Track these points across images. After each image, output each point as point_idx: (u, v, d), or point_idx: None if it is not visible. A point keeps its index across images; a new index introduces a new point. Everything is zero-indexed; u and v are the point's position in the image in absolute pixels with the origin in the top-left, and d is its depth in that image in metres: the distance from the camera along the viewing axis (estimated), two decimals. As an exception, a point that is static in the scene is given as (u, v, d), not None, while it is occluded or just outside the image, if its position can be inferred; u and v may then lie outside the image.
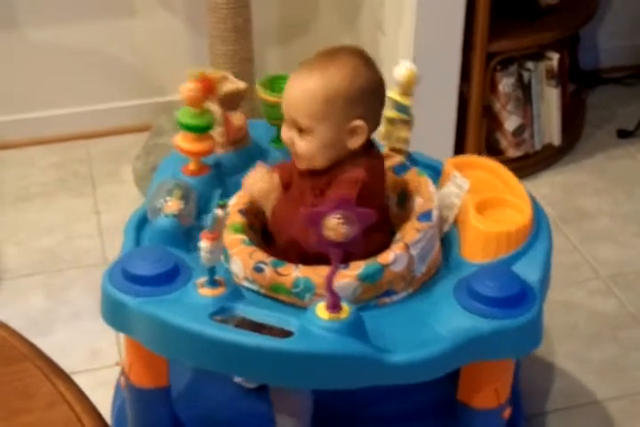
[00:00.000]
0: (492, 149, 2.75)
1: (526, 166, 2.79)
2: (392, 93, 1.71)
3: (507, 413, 1.65)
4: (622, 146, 2.95)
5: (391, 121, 1.73)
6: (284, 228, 1.58)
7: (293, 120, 1.52)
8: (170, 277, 1.50)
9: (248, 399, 1.76)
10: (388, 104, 1.71)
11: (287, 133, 1.55)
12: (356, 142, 1.53)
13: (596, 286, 2.40)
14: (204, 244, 1.41)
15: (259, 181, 1.63)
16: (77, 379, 1.27)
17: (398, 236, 1.58)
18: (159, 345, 1.50)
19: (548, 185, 2.77)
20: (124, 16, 2.84)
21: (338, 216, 1.28)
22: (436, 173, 1.77)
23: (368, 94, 1.53)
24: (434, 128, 2.63)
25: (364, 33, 2.85)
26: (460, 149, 2.69)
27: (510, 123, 2.73)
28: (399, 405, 1.78)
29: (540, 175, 2.81)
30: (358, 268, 1.50)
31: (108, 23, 2.84)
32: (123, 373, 1.69)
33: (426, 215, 1.59)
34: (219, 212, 1.40)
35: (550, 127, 2.82)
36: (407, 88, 1.70)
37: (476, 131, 2.69)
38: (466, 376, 1.60)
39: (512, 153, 2.77)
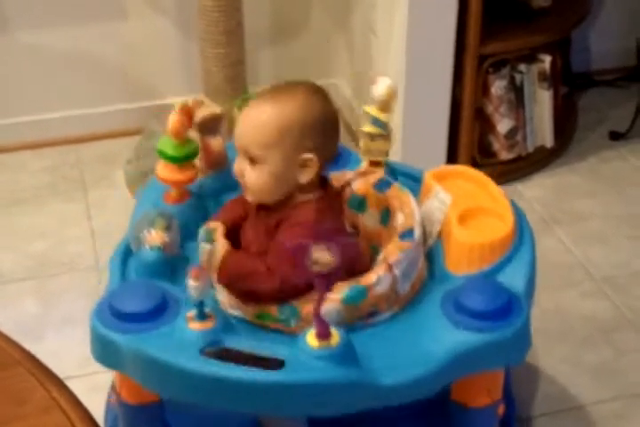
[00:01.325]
0: (485, 152, 2.75)
1: (519, 169, 2.79)
2: (370, 109, 1.71)
3: (500, 409, 1.66)
4: (614, 148, 2.95)
5: (370, 136, 1.73)
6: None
7: (245, 150, 1.51)
8: (158, 313, 1.49)
9: (240, 413, 1.75)
10: (366, 119, 1.72)
11: (239, 165, 1.54)
12: (306, 176, 1.52)
13: (589, 289, 2.40)
14: (191, 281, 1.40)
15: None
16: (70, 384, 1.26)
17: (381, 256, 1.57)
18: (151, 382, 1.49)
19: (540, 187, 2.77)
20: (115, 19, 2.84)
21: (323, 247, 1.29)
22: (415, 181, 1.77)
23: (321, 126, 1.52)
24: (426, 131, 2.63)
25: (356, 35, 2.85)
26: (452, 151, 2.69)
27: (503, 125, 2.73)
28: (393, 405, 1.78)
29: (533, 177, 2.81)
30: (341, 291, 1.49)
31: (99, 27, 2.83)
32: (113, 390, 1.68)
33: (407, 233, 1.58)
34: (207, 246, 1.40)
35: (543, 129, 2.82)
36: (386, 104, 1.70)
37: (469, 133, 2.69)
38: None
39: (504, 155, 2.77)
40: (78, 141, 2.95)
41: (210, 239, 1.46)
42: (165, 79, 2.93)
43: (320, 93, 1.54)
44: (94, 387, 1.97)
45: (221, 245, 1.53)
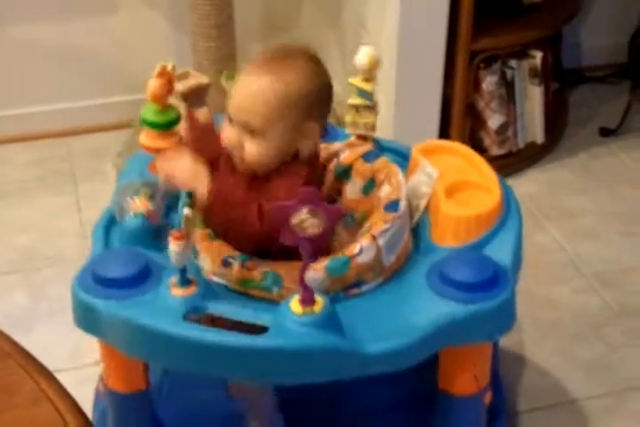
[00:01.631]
0: (476, 147, 2.72)
1: (509, 164, 2.79)
2: (354, 80, 1.71)
3: (487, 397, 1.65)
4: (605, 144, 2.95)
5: (356, 108, 1.72)
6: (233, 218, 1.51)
7: (244, 122, 1.48)
8: (141, 279, 1.49)
9: (229, 400, 1.75)
10: (351, 91, 1.72)
11: (234, 136, 1.50)
12: (308, 146, 1.52)
13: (580, 284, 2.40)
14: (173, 245, 1.40)
15: (185, 171, 1.49)
16: (59, 377, 1.26)
17: (365, 226, 1.57)
18: (132, 348, 1.49)
19: (531, 183, 2.78)
20: (106, 12, 2.83)
21: (306, 211, 1.28)
22: (403, 158, 1.77)
23: (320, 98, 1.52)
24: (417, 126, 2.63)
25: (347, 29, 2.84)
26: (443, 146, 2.69)
27: (494, 121, 2.73)
28: (381, 397, 1.78)
29: (524, 173, 2.81)
30: (325, 260, 1.49)
31: (89, 19, 2.82)
32: (101, 379, 1.68)
33: (392, 205, 1.58)
34: (187, 211, 1.39)
35: (533, 125, 2.82)
36: (369, 74, 1.70)
37: (460, 129, 2.69)
38: (445, 365, 1.60)
39: (495, 151, 2.77)
40: (69, 135, 2.94)
41: (190, 204, 1.44)
42: (156, 73, 2.92)
43: (318, 61, 1.53)
44: (83, 379, 1.97)
45: (205, 179, 1.47)
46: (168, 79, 1.64)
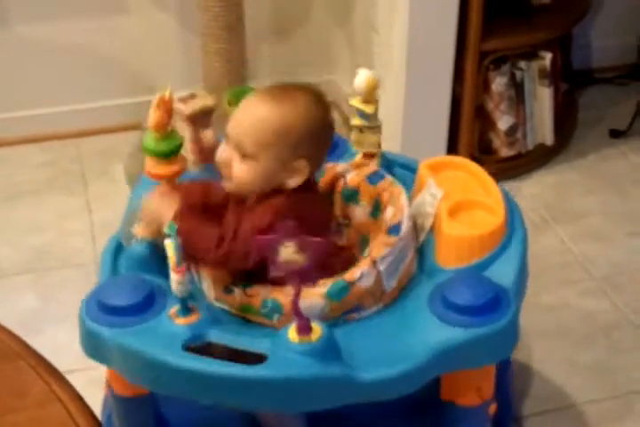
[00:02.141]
0: (485, 149, 2.75)
1: (519, 166, 2.79)
2: (355, 102, 1.71)
3: (492, 408, 1.64)
4: (614, 145, 2.95)
5: (359, 129, 1.73)
6: None
7: (239, 143, 1.50)
8: (144, 307, 1.49)
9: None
10: (352, 112, 1.73)
11: (226, 155, 1.52)
12: (294, 182, 1.52)
13: (588, 287, 2.40)
14: (174, 277, 1.41)
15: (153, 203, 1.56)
16: (69, 378, 1.27)
17: (367, 251, 1.57)
18: (135, 376, 1.50)
19: (540, 185, 2.77)
20: (117, 14, 2.83)
21: (291, 245, 1.29)
22: (412, 172, 1.77)
23: (317, 136, 1.53)
24: (427, 128, 2.63)
25: (356, 32, 2.84)
26: (452, 148, 2.69)
27: (503, 122, 2.73)
28: (384, 404, 1.77)
29: (533, 175, 2.81)
30: (324, 286, 1.50)
31: (99, 21, 2.83)
32: (106, 381, 1.69)
33: (395, 228, 1.58)
34: (167, 242, 1.40)
35: (543, 127, 2.82)
36: (369, 96, 1.70)
37: (469, 130, 2.69)
38: (447, 375, 1.58)
39: (505, 153, 2.77)
40: (79, 135, 2.95)
41: (173, 234, 1.46)
42: (166, 74, 2.93)
43: (322, 102, 1.54)
44: (93, 381, 1.97)
45: (174, 201, 1.52)
46: (166, 108, 1.66)
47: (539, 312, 2.30)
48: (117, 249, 1.64)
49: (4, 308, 2.28)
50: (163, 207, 1.53)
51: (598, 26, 3.20)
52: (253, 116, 1.50)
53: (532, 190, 2.73)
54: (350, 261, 1.58)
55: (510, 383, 1.92)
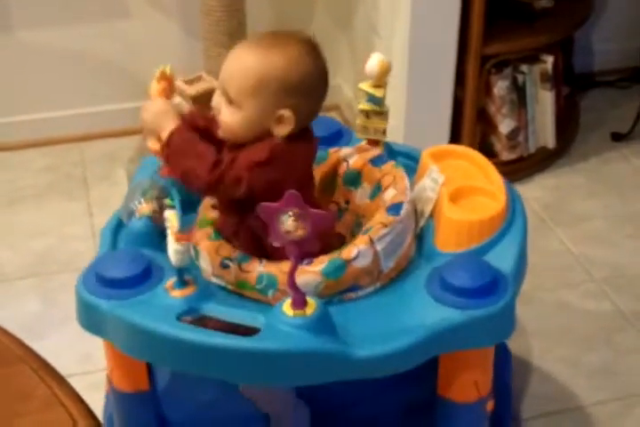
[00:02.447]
0: (487, 152, 2.73)
1: (520, 169, 2.79)
2: (365, 86, 1.70)
3: (489, 405, 1.64)
4: (616, 149, 2.95)
5: (366, 113, 1.72)
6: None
7: (225, 90, 1.50)
8: (141, 280, 1.51)
9: (234, 399, 1.75)
10: (361, 96, 1.71)
11: (216, 100, 1.53)
12: (281, 130, 1.50)
13: (589, 289, 2.40)
14: (173, 245, 1.42)
15: (153, 111, 1.54)
16: (71, 382, 1.26)
17: (365, 227, 1.57)
18: (130, 347, 1.51)
19: (542, 188, 2.78)
20: (119, 18, 2.84)
21: (292, 214, 1.29)
22: (414, 161, 1.77)
23: (303, 87, 1.50)
24: (428, 131, 2.64)
25: (358, 35, 2.85)
26: (454, 151, 2.69)
27: (505, 126, 2.73)
28: (383, 403, 1.78)
29: (535, 178, 2.81)
30: (321, 263, 1.50)
31: (102, 25, 2.84)
32: (107, 376, 1.70)
33: (395, 208, 1.57)
34: (167, 213, 1.40)
35: (544, 130, 2.82)
36: (380, 80, 1.69)
37: (471, 134, 2.69)
38: (444, 369, 1.59)
39: (506, 156, 2.77)
40: (81, 140, 2.95)
41: (176, 203, 1.46)
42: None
43: (313, 52, 1.52)
44: (94, 384, 1.97)
45: (172, 120, 1.51)
46: (169, 83, 1.66)
47: (540, 313, 2.30)
48: (118, 226, 1.66)
49: (7, 312, 2.29)
50: (160, 119, 1.51)
51: (600, 29, 3.20)
52: (239, 62, 1.49)
53: (533, 193, 2.73)
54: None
55: (509, 382, 1.92)
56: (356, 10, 2.82)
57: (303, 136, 1.54)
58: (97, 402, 1.85)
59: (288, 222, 1.30)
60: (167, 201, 1.45)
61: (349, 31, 2.91)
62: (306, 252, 1.35)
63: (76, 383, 1.30)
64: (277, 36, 1.53)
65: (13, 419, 1.16)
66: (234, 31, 2.55)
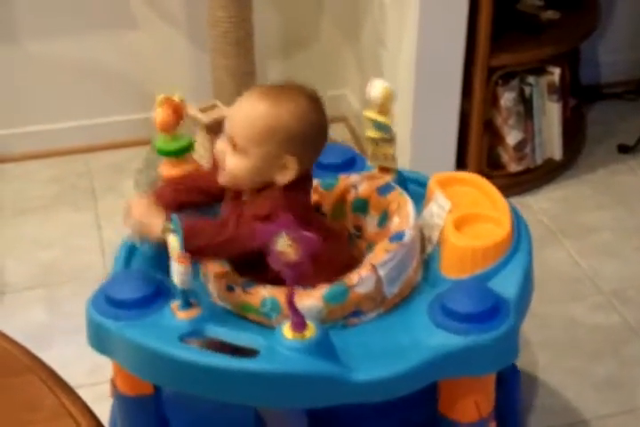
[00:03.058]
0: (494, 164, 2.75)
1: (527, 181, 2.79)
2: (370, 113, 1.71)
3: (492, 426, 1.63)
4: (623, 161, 2.95)
5: (374, 141, 1.73)
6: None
7: (231, 137, 1.53)
8: (149, 301, 1.53)
9: (237, 405, 1.75)
10: (367, 124, 1.72)
11: (221, 146, 1.55)
12: (284, 178, 1.54)
13: (597, 302, 2.40)
14: (177, 266, 1.44)
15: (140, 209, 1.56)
16: (79, 393, 1.26)
17: (368, 257, 1.58)
18: (135, 368, 1.53)
19: (549, 200, 2.77)
20: (125, 29, 2.85)
21: (286, 238, 1.31)
22: (424, 188, 1.77)
23: (308, 137, 1.55)
24: (435, 143, 2.64)
25: (365, 47, 2.85)
26: (461, 163, 2.70)
27: (512, 137, 2.73)
28: (392, 421, 1.77)
29: (542, 190, 2.81)
30: (323, 289, 1.51)
31: (108, 37, 2.84)
32: (111, 382, 1.72)
33: (398, 236, 1.59)
34: (170, 236, 1.41)
35: (551, 142, 2.82)
36: (384, 107, 1.70)
37: (478, 145, 2.69)
38: (444, 389, 1.59)
39: (513, 168, 2.77)
40: (88, 151, 2.96)
41: (176, 226, 1.46)
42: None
43: (317, 104, 1.57)
44: (102, 396, 1.96)
45: (159, 214, 1.52)
46: (174, 109, 1.68)
47: (547, 326, 2.30)
48: (133, 246, 1.67)
49: (14, 322, 2.29)
50: (148, 220, 1.52)
51: (607, 41, 3.21)
52: (248, 112, 1.53)
53: (540, 205, 2.73)
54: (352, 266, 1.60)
55: (518, 401, 1.91)
56: (363, 22, 2.83)
57: (302, 184, 1.59)
58: (106, 413, 1.86)
59: (280, 245, 1.31)
60: (168, 225, 1.46)
61: (357, 43, 2.92)
62: (302, 273, 1.35)
63: (85, 395, 1.30)
64: (285, 87, 1.57)
65: (24, 430, 1.16)
66: (241, 42, 2.56)
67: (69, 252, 2.56)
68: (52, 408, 1.18)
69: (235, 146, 1.53)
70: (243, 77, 2.60)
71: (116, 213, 2.64)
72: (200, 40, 2.79)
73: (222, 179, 1.57)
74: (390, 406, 1.66)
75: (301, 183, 1.58)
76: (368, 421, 1.75)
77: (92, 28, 2.82)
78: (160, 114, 1.68)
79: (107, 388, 1.82)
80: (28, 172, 2.90)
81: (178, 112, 1.70)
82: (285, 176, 1.54)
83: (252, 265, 1.53)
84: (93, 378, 2.12)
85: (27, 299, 2.41)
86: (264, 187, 1.56)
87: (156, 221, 1.51)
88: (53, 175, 2.88)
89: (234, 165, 1.54)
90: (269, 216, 1.50)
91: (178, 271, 1.44)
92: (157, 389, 1.69)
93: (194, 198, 1.64)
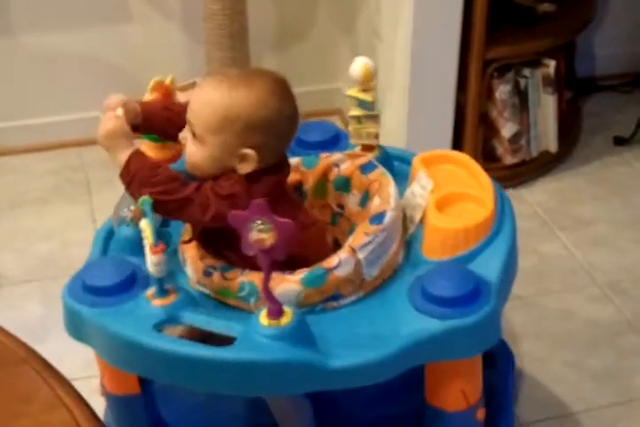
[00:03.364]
0: (489, 156, 2.76)
1: (523, 173, 2.80)
2: (353, 92, 1.70)
3: (480, 414, 1.62)
4: (618, 153, 2.95)
5: (357, 119, 1.72)
6: None
7: (190, 124, 1.50)
8: (124, 288, 1.51)
9: (227, 400, 1.76)
10: (351, 102, 1.71)
11: (184, 133, 1.52)
12: (244, 169, 1.49)
13: (593, 293, 2.40)
14: (150, 257, 1.42)
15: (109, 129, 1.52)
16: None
17: (348, 238, 1.56)
18: (109, 355, 1.52)
19: (544, 192, 2.78)
20: (121, 22, 2.84)
21: (260, 224, 1.30)
22: (409, 165, 1.75)
23: (269, 126, 1.49)
24: (431, 135, 2.64)
25: (360, 39, 2.85)
26: (456, 155, 2.69)
27: (507, 130, 2.73)
28: (387, 410, 1.77)
29: (537, 182, 2.81)
30: (301, 273, 1.49)
31: (104, 30, 2.84)
32: (100, 380, 1.72)
33: (378, 217, 1.56)
34: (142, 224, 1.41)
35: (547, 134, 2.82)
36: (366, 84, 1.69)
37: (473, 138, 2.69)
38: (430, 377, 1.58)
39: (509, 160, 2.77)
40: (83, 144, 2.95)
41: (148, 210, 1.44)
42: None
43: (282, 92, 1.51)
44: (96, 389, 1.97)
45: (127, 142, 1.50)
46: (164, 93, 1.67)
47: (543, 318, 2.30)
48: (110, 232, 1.67)
49: (10, 315, 2.29)
50: (115, 140, 1.50)
51: (602, 34, 3.21)
52: (205, 99, 1.48)
53: (536, 197, 2.73)
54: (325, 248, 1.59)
55: (511, 385, 1.90)
56: (358, 14, 2.83)
57: (268, 173, 1.52)
58: (101, 406, 1.85)
59: (255, 231, 1.30)
60: (139, 204, 1.44)
61: (352, 35, 2.91)
62: (275, 260, 1.34)
63: (80, 388, 1.30)
64: (246, 73, 1.52)
65: (15, 420, 1.16)
66: (236, 35, 2.56)
67: (65, 245, 2.56)
68: (47, 399, 1.18)
69: (194, 133, 1.49)
70: (238, 70, 2.60)
71: (111, 207, 2.64)
72: (195, 33, 2.79)
73: (187, 166, 1.53)
74: (396, 387, 1.65)
75: (269, 172, 1.52)
76: (373, 404, 1.75)
77: (87, 22, 2.82)
78: (149, 97, 1.67)
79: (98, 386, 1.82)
80: (24, 164, 2.90)
81: (167, 96, 1.68)
82: (245, 167, 1.49)
83: (231, 245, 1.49)
84: (89, 371, 2.11)
85: (23, 292, 2.41)
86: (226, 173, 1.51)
87: (122, 147, 1.49)
88: (49, 168, 2.88)
89: (192, 153, 1.50)
90: (231, 197, 1.46)
91: (151, 262, 1.42)
92: (145, 388, 1.68)
93: (162, 126, 1.59)
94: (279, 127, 1.51)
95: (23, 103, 2.91)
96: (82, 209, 2.70)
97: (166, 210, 1.48)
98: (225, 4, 2.51)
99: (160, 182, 1.46)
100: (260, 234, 1.30)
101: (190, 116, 1.49)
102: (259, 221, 1.30)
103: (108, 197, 2.70)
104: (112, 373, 1.63)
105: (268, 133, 1.49)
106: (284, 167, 1.57)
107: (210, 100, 1.47)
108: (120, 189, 2.74)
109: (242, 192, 1.48)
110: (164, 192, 1.46)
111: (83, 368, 2.12)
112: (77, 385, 1.31)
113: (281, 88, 1.51)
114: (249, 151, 1.48)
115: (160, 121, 1.60)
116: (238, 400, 1.75)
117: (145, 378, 1.66)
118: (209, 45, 2.59)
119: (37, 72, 2.87)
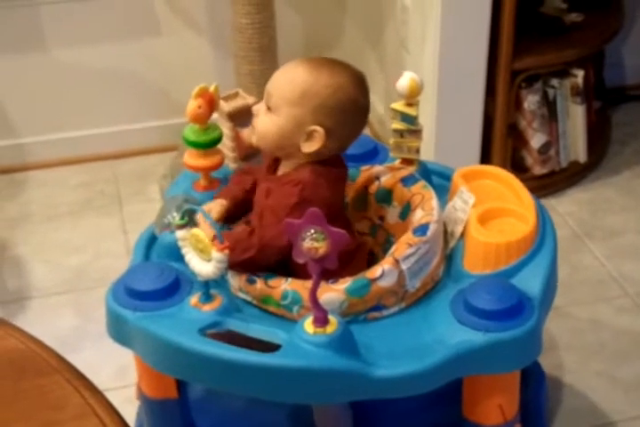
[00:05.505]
0: (518, 167, 2.75)
1: (552, 184, 2.79)
2: (397, 106, 1.72)
3: None
4: (648, 163, 2.94)
5: (399, 133, 1.74)
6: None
7: (268, 97, 1.55)
8: (169, 292, 1.53)
9: (264, 408, 1.76)
10: (393, 116, 1.73)
11: (257, 106, 1.58)
12: (309, 147, 1.54)
13: (623, 304, 2.39)
14: (215, 254, 1.43)
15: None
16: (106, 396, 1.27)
17: (392, 249, 1.57)
18: (154, 360, 1.53)
19: (574, 202, 2.77)
20: (151, 37, 2.87)
21: (314, 232, 1.31)
22: (448, 181, 1.77)
23: (342, 113, 1.54)
24: (459, 146, 2.64)
25: (388, 51, 2.86)
26: (485, 166, 2.69)
27: (536, 140, 2.73)
28: (423, 423, 1.77)
29: (567, 193, 2.80)
30: (345, 282, 1.50)
31: (134, 44, 2.87)
32: (137, 384, 1.73)
33: (422, 229, 1.57)
34: (180, 234, 1.44)
35: (576, 144, 2.82)
36: (411, 98, 1.71)
37: (502, 148, 2.69)
38: (468, 392, 1.58)
39: (538, 170, 2.76)
40: (115, 157, 2.98)
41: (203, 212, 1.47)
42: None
43: (359, 84, 1.57)
44: (128, 399, 1.98)
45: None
46: (208, 100, 1.69)
47: (574, 328, 2.29)
48: (151, 239, 1.68)
49: (43, 326, 2.31)
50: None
51: (631, 43, 3.20)
52: (288, 74, 1.54)
53: (566, 208, 2.72)
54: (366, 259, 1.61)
55: (543, 404, 1.89)
56: (385, 26, 2.84)
57: (333, 163, 1.58)
58: (132, 416, 1.87)
59: (309, 240, 1.31)
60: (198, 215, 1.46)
61: (379, 47, 2.92)
62: (328, 269, 1.35)
63: (112, 398, 1.31)
64: (330, 60, 1.58)
65: (47, 428, 1.17)
66: (265, 48, 2.57)
67: (97, 256, 2.58)
68: (78, 408, 1.19)
69: (269, 107, 1.54)
70: (267, 84, 2.61)
71: (142, 218, 2.68)
72: (224, 47, 2.81)
73: (254, 138, 1.59)
74: (434, 400, 1.65)
75: (331, 162, 1.57)
76: (412, 415, 1.74)
77: (118, 36, 2.85)
78: (192, 105, 1.69)
79: (133, 391, 1.83)
80: (56, 178, 2.93)
81: (210, 104, 1.70)
82: (310, 146, 1.54)
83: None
84: (121, 382, 2.13)
85: (55, 304, 2.43)
86: (290, 156, 1.56)
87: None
88: (81, 181, 2.91)
89: (263, 124, 1.55)
90: (298, 205, 1.49)
91: (216, 259, 1.42)
92: (182, 393, 1.69)
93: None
94: (350, 115, 1.56)
95: (56, 117, 2.94)
96: (113, 221, 2.73)
97: (256, 264, 1.54)
98: (255, 19, 2.53)
99: (233, 252, 1.48)
100: (313, 242, 1.31)
101: (270, 87, 1.55)
102: (312, 230, 1.31)
103: (139, 209, 2.74)
104: (151, 376, 1.64)
105: (339, 119, 1.54)
106: (343, 166, 1.62)
107: (293, 76, 1.53)
108: (152, 200, 2.79)
109: (309, 182, 1.52)
110: (243, 258, 1.52)
111: (114, 379, 2.14)
112: (109, 395, 1.32)
113: (360, 80, 1.57)
114: (318, 128, 1.53)
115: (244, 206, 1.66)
116: (273, 411, 1.75)
117: (182, 383, 1.67)
118: (238, 59, 2.61)
119: (70, 87, 2.90)
